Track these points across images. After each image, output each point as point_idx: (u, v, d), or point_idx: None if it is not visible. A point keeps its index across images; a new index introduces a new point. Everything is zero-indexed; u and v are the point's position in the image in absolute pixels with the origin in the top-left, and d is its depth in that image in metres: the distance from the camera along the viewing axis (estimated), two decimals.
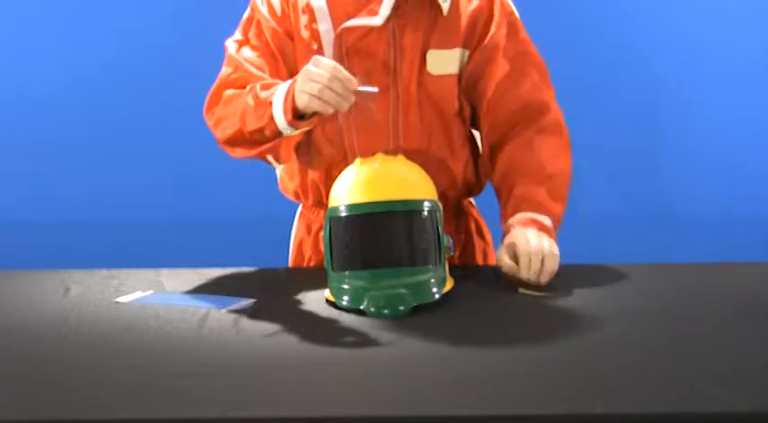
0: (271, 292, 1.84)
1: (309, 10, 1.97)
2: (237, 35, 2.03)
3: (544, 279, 1.80)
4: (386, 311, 1.65)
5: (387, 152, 1.86)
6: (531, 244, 1.81)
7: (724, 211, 3.37)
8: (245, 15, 2.05)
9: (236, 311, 1.70)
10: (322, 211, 1.99)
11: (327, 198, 1.83)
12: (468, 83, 1.99)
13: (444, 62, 1.96)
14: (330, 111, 1.74)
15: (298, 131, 1.84)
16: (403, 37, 1.93)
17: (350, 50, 1.93)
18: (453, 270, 1.81)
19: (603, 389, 1.31)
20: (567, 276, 1.90)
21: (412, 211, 1.74)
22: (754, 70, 3.34)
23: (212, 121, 1.96)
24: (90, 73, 3.31)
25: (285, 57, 1.98)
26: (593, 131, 3.34)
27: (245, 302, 1.76)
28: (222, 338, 1.56)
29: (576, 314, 1.65)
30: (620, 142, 3.35)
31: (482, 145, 2.05)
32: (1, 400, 1.31)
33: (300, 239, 2.12)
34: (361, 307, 1.67)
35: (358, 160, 1.83)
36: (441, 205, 1.78)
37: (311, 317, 1.67)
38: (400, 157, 1.83)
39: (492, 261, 2.12)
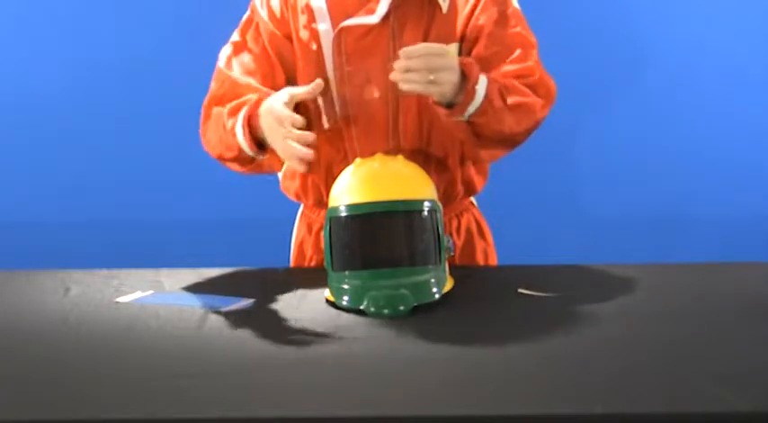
0: (271, 292, 1.84)
1: (309, 10, 1.97)
2: (235, 36, 2.04)
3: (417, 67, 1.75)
4: (386, 311, 1.65)
5: (386, 152, 1.86)
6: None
7: (724, 211, 3.37)
8: (245, 17, 2.05)
9: (236, 311, 1.70)
10: (323, 211, 1.99)
11: (328, 198, 1.83)
12: None
13: None
14: (294, 162, 1.78)
15: (268, 155, 1.89)
16: (402, 35, 1.93)
17: (349, 50, 1.93)
18: (453, 270, 1.81)
19: (603, 389, 1.31)
20: (567, 276, 1.91)
21: (412, 211, 1.74)
22: (755, 70, 3.33)
23: (203, 139, 2.01)
24: (90, 73, 3.30)
25: (283, 60, 1.99)
26: (592, 131, 3.35)
27: (245, 302, 1.76)
28: (222, 338, 1.56)
29: (576, 314, 1.65)
30: (619, 142, 3.35)
31: None
32: (1, 400, 1.31)
33: (302, 239, 2.12)
34: (361, 307, 1.67)
35: (358, 160, 1.83)
36: (441, 205, 1.78)
37: (311, 317, 1.67)
38: (400, 158, 1.83)
39: (492, 261, 2.12)
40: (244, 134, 1.86)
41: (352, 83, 1.93)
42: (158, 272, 2.00)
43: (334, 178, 1.84)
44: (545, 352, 1.47)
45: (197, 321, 1.65)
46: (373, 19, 1.92)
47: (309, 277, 1.91)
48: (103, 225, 3.36)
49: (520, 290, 1.79)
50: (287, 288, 1.86)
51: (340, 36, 1.93)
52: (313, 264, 2.09)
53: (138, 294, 1.83)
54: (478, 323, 1.63)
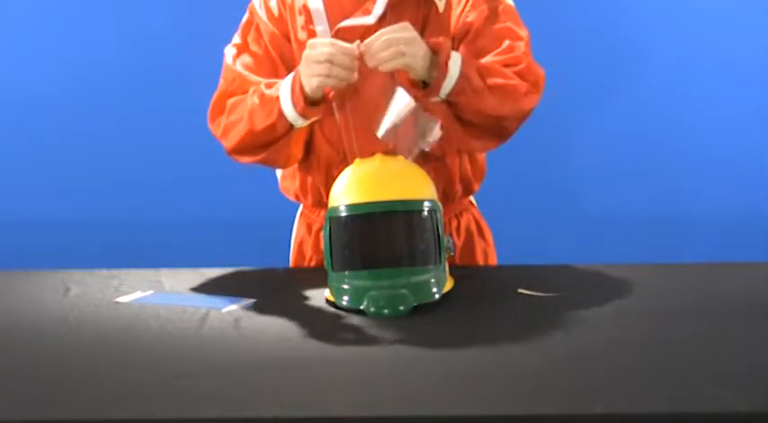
0: (271, 292, 1.84)
1: (306, 11, 1.97)
2: (236, 39, 2.04)
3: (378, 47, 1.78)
4: (386, 311, 1.65)
5: (386, 152, 1.86)
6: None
7: (724, 210, 3.37)
8: (244, 19, 2.05)
9: (236, 311, 1.70)
10: (322, 211, 1.99)
11: (327, 198, 1.83)
12: None
13: None
14: (343, 85, 1.82)
15: (309, 121, 1.89)
16: None
17: None
18: (453, 270, 1.81)
19: (603, 389, 1.31)
20: (567, 276, 1.91)
21: (412, 211, 1.74)
22: (755, 70, 3.33)
23: (219, 130, 1.98)
24: (89, 73, 3.30)
25: (284, 60, 1.99)
26: (592, 131, 3.35)
27: (245, 302, 1.76)
28: (222, 338, 1.56)
29: (576, 314, 1.65)
30: (619, 142, 3.35)
31: None
32: (1, 400, 1.31)
33: (301, 239, 2.12)
34: (361, 307, 1.67)
35: (358, 160, 1.83)
36: (440, 205, 1.78)
37: (311, 317, 1.67)
38: (400, 157, 1.83)
39: (492, 261, 2.12)
40: (293, 91, 1.84)
41: (350, 83, 1.93)
42: (158, 272, 2.00)
43: (334, 179, 1.84)
44: (545, 352, 1.47)
45: (197, 321, 1.65)
46: (370, 19, 1.92)
47: (309, 277, 1.91)
48: (103, 225, 3.36)
49: (520, 290, 1.80)
50: (287, 288, 1.86)
51: (337, 37, 1.93)
52: (313, 264, 2.09)
53: (138, 294, 1.84)
54: (478, 323, 1.63)
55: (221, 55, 2.03)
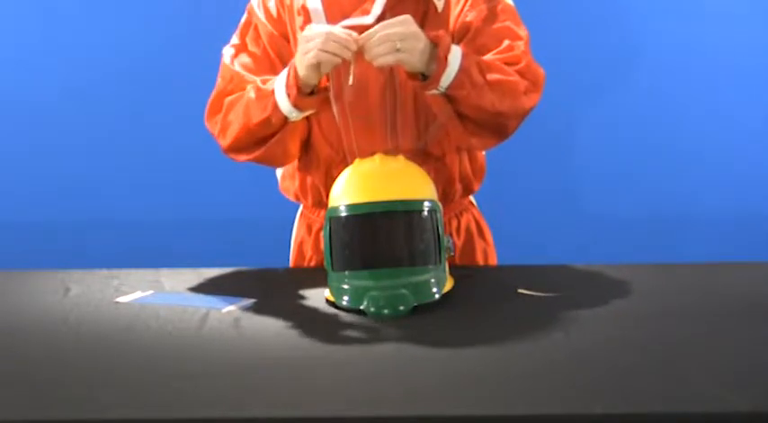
0: (271, 292, 1.84)
1: (305, 11, 1.96)
2: (235, 39, 2.04)
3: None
4: (386, 311, 1.65)
5: (385, 152, 1.86)
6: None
7: (724, 210, 3.37)
8: (243, 19, 2.05)
9: (236, 311, 1.70)
10: (322, 212, 1.99)
11: (327, 198, 1.83)
12: None
13: None
14: (337, 60, 1.79)
15: (303, 114, 1.88)
16: None
17: None
18: (453, 270, 1.81)
19: (603, 389, 1.31)
20: (567, 276, 1.91)
21: (412, 211, 1.74)
22: (756, 70, 3.33)
23: (216, 128, 1.98)
24: (89, 73, 3.30)
25: (283, 60, 1.99)
26: (593, 131, 3.35)
27: (245, 302, 1.76)
28: (222, 338, 1.56)
29: (576, 314, 1.65)
30: (619, 142, 3.35)
31: None
32: (1, 400, 1.31)
33: (301, 240, 2.12)
34: (361, 307, 1.67)
35: (357, 160, 1.83)
36: (440, 205, 1.78)
37: (311, 317, 1.67)
38: (400, 157, 1.83)
39: (492, 261, 2.12)
40: (288, 81, 1.84)
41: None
42: (158, 272, 2.00)
43: (334, 179, 1.84)
44: (545, 352, 1.47)
45: (197, 321, 1.65)
46: (368, 19, 1.92)
47: (309, 277, 1.91)
48: (103, 225, 3.36)
49: (520, 290, 1.80)
50: (287, 288, 1.86)
51: None
52: (313, 264, 2.09)
53: (138, 294, 1.84)
54: (478, 323, 1.63)
55: (220, 56, 2.03)
